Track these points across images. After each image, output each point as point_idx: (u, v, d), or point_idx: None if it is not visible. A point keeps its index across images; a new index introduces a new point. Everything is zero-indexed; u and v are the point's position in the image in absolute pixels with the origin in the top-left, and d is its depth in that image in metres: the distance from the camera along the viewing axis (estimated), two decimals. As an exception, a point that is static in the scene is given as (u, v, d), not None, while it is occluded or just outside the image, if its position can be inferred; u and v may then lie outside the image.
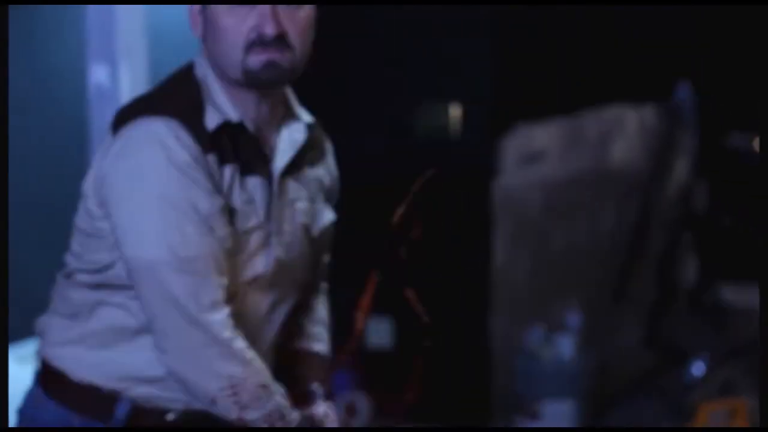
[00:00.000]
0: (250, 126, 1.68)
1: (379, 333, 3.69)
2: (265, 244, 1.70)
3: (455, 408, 3.73)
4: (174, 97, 1.68)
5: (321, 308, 2.01)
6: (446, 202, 3.63)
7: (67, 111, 4.30)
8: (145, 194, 1.60)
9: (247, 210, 1.67)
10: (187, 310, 1.60)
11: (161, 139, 1.60)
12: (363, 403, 3.65)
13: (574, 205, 4.08)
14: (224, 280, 1.63)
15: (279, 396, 1.67)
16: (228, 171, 1.65)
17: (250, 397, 1.63)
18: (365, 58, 3.76)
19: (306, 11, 1.65)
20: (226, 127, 1.65)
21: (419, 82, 3.71)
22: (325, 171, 1.86)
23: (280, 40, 1.61)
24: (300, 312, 1.93)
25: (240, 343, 1.63)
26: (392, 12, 3.65)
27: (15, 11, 4.87)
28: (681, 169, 4.70)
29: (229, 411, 1.63)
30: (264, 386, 1.64)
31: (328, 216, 1.85)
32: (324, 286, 2.03)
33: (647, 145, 4.45)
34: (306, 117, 1.78)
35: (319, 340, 1.98)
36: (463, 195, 3.62)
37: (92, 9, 3.85)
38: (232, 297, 1.66)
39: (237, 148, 1.66)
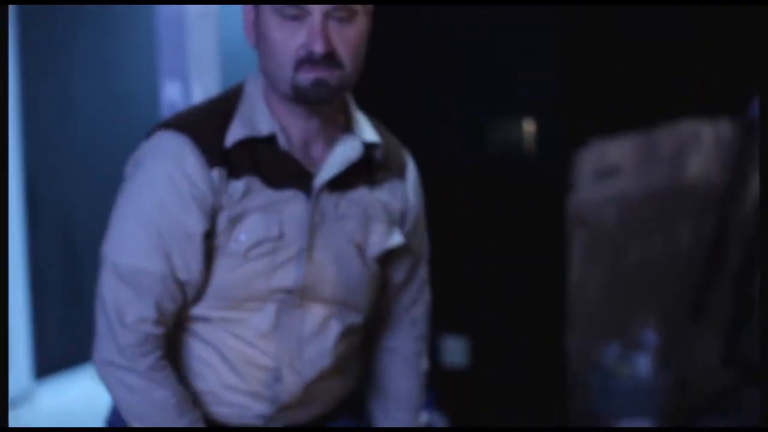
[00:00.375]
0: (287, 140, 1.69)
1: (455, 352, 3.68)
2: (294, 257, 1.70)
3: (531, 426, 3.70)
4: (204, 112, 1.73)
5: (404, 346, 1.99)
6: (521, 218, 3.61)
7: (140, 129, 4.38)
8: (132, 200, 1.66)
9: (264, 221, 1.67)
10: (109, 317, 1.65)
11: (163, 154, 1.66)
12: (441, 423, 3.63)
13: (649, 220, 4.03)
14: (170, 306, 1.66)
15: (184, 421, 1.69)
16: (241, 184, 1.65)
17: (134, 419, 1.69)
18: (436, 72, 3.75)
19: (357, 28, 1.65)
20: (250, 141, 1.67)
21: (491, 96, 3.69)
22: (395, 194, 1.84)
23: (330, 58, 1.61)
24: (375, 343, 1.96)
25: (134, 374, 1.65)
26: (463, 23, 3.64)
27: (87, 30, 4.95)
28: (757, 183, 4.62)
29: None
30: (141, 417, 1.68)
31: (391, 239, 1.82)
32: (416, 320, 2.00)
33: (723, 160, 4.38)
34: (369, 136, 1.77)
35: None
36: (537, 210, 3.60)
37: (164, 26, 3.89)
38: (241, 306, 1.69)
39: (263, 162, 1.68)
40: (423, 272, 1.97)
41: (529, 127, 3.58)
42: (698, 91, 4.25)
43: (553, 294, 3.64)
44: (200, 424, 1.72)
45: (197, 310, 1.73)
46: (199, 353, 1.75)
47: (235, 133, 1.67)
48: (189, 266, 1.66)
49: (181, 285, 1.67)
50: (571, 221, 3.61)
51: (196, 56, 3.88)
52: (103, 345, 1.68)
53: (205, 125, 1.68)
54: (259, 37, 1.68)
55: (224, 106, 1.72)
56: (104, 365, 1.69)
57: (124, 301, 1.65)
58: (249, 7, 1.70)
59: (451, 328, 3.71)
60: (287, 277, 1.71)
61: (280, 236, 1.69)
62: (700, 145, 4.25)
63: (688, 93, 4.20)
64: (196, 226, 1.65)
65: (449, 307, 3.43)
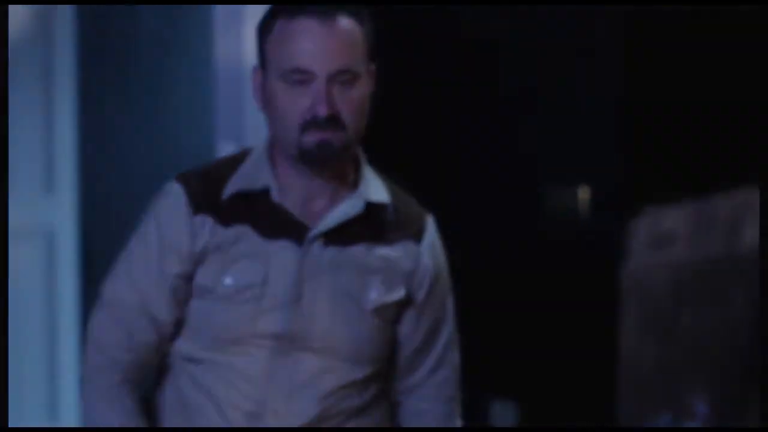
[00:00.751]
0: (285, 194, 1.76)
1: (504, 416, 3.66)
2: (280, 304, 1.75)
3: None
4: (213, 166, 1.87)
5: (433, 408, 1.93)
6: (573, 283, 3.60)
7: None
8: (133, 241, 1.80)
9: (250, 268, 1.73)
10: (89, 341, 1.79)
11: (159, 199, 1.79)
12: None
13: (703, 289, 3.99)
14: (142, 337, 1.76)
15: None
16: (231, 232, 1.74)
17: None
18: (493, 137, 3.78)
19: (359, 90, 1.72)
20: (247, 194, 1.76)
21: (547, 162, 3.70)
22: (406, 254, 1.84)
23: (333, 120, 1.68)
24: (403, 408, 1.91)
25: (95, 392, 1.77)
26: (520, 91, 3.67)
27: (143, 86, 5.00)
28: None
29: None
30: None
31: (391, 295, 1.81)
32: (441, 384, 1.94)
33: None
34: (375, 195, 1.81)
35: None
36: (590, 276, 3.59)
37: (223, 85, 3.93)
38: (229, 349, 1.74)
39: (257, 214, 1.75)
40: (446, 335, 1.93)
41: (584, 194, 3.58)
42: (754, 159, 4.24)
43: (604, 360, 3.62)
44: None
45: (187, 351, 1.79)
46: (188, 392, 1.80)
47: (232, 186, 1.76)
48: (160, 304, 1.76)
49: (153, 320, 1.77)
50: (624, 288, 3.60)
51: (254, 118, 3.92)
52: (83, 368, 1.81)
53: (205, 177, 1.80)
54: (266, 101, 1.76)
55: (232, 161, 1.83)
56: (81, 384, 1.81)
57: (102, 327, 1.79)
58: (257, 71, 1.78)
59: (500, 392, 3.70)
60: (273, 324, 1.74)
61: (265, 283, 1.74)
62: (756, 215, 4.22)
63: (745, 161, 4.19)
64: (171, 268, 1.75)
65: (500, 372, 3.42)
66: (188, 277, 1.75)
